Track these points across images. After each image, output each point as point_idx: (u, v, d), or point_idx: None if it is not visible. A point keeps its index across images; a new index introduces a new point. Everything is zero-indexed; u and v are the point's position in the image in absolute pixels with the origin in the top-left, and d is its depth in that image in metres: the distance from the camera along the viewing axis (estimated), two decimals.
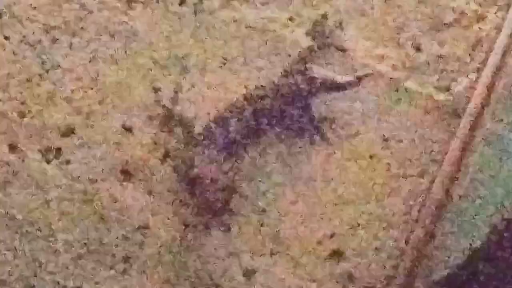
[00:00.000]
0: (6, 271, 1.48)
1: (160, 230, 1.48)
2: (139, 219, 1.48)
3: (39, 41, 1.51)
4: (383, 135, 1.50)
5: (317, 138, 1.50)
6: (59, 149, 1.50)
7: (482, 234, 1.47)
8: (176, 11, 1.53)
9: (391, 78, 1.51)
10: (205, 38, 1.52)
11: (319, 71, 1.47)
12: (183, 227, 1.48)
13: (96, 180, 1.49)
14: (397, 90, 1.51)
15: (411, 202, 1.49)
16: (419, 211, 1.47)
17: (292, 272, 1.48)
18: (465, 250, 1.47)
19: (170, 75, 1.51)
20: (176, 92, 1.51)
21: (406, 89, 1.51)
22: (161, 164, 1.49)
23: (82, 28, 1.52)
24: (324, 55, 1.51)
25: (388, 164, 1.50)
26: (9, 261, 1.48)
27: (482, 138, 1.48)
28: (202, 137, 1.45)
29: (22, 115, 1.50)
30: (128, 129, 1.50)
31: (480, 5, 1.52)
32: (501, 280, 1.55)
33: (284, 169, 1.49)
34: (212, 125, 1.45)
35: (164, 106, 1.50)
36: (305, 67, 1.48)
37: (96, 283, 1.48)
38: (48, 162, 1.49)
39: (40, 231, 1.48)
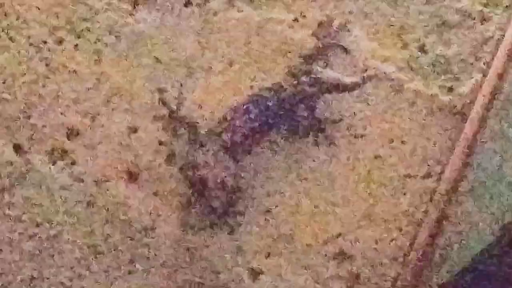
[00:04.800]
0: (11, 272, 1.48)
1: (166, 231, 1.48)
2: (144, 220, 1.48)
3: (44, 42, 1.51)
4: (388, 136, 1.51)
5: (322, 139, 1.50)
6: (64, 150, 1.49)
7: (486, 235, 1.48)
8: (181, 12, 1.53)
9: (396, 79, 1.51)
10: (210, 39, 1.52)
11: (324, 72, 1.47)
12: (189, 229, 1.48)
13: (102, 181, 1.49)
14: (402, 91, 1.51)
15: (416, 203, 1.49)
16: (424, 212, 1.47)
17: (298, 272, 1.48)
18: (470, 252, 1.47)
19: (175, 76, 1.51)
20: (181, 93, 1.50)
21: (411, 90, 1.51)
22: (166, 165, 1.49)
23: (87, 29, 1.51)
24: (329, 56, 1.51)
25: (393, 165, 1.50)
26: (15, 262, 1.48)
27: (488, 139, 1.48)
28: (207, 138, 1.45)
29: (27, 116, 1.50)
30: (133, 130, 1.50)
31: (485, 5, 1.52)
32: (506, 282, 1.55)
33: (289, 169, 1.49)
34: (217, 126, 1.45)
35: (169, 107, 1.49)
36: (310, 68, 1.48)
37: (102, 284, 1.48)
38: (53, 163, 1.49)
39: (46, 232, 1.48)
